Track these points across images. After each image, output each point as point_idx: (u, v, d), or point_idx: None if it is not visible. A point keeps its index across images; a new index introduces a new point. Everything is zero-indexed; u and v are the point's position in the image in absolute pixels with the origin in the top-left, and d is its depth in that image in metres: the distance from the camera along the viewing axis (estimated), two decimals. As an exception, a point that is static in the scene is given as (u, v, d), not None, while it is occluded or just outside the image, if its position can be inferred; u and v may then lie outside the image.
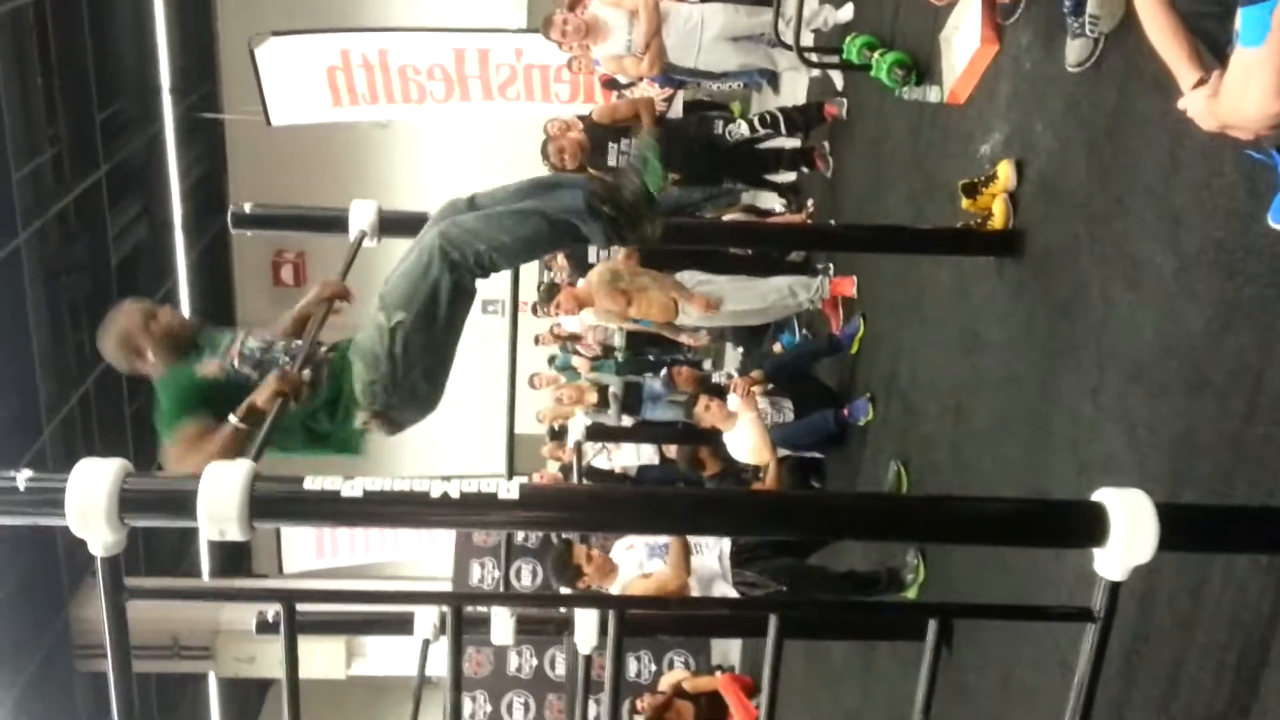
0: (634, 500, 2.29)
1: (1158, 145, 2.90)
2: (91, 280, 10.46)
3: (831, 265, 6.25)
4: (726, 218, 7.48)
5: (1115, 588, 2.01)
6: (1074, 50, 3.32)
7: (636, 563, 5.02)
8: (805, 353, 6.41)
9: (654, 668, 9.03)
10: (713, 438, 6.17)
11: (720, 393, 6.19)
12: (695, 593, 4.79)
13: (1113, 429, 3.04)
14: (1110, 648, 2.09)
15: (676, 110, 8.20)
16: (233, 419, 2.78)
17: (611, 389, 7.93)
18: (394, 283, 2.97)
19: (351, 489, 1.89)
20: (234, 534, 1.85)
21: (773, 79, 7.08)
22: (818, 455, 6.11)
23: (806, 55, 5.70)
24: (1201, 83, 1.95)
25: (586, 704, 3.14)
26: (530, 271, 9.25)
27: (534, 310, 8.74)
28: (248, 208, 3.86)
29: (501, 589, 5.26)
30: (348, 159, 12.21)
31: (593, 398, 7.97)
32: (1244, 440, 2.50)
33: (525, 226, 2.93)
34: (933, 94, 4.57)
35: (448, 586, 9.99)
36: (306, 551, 12.76)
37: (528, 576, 9.41)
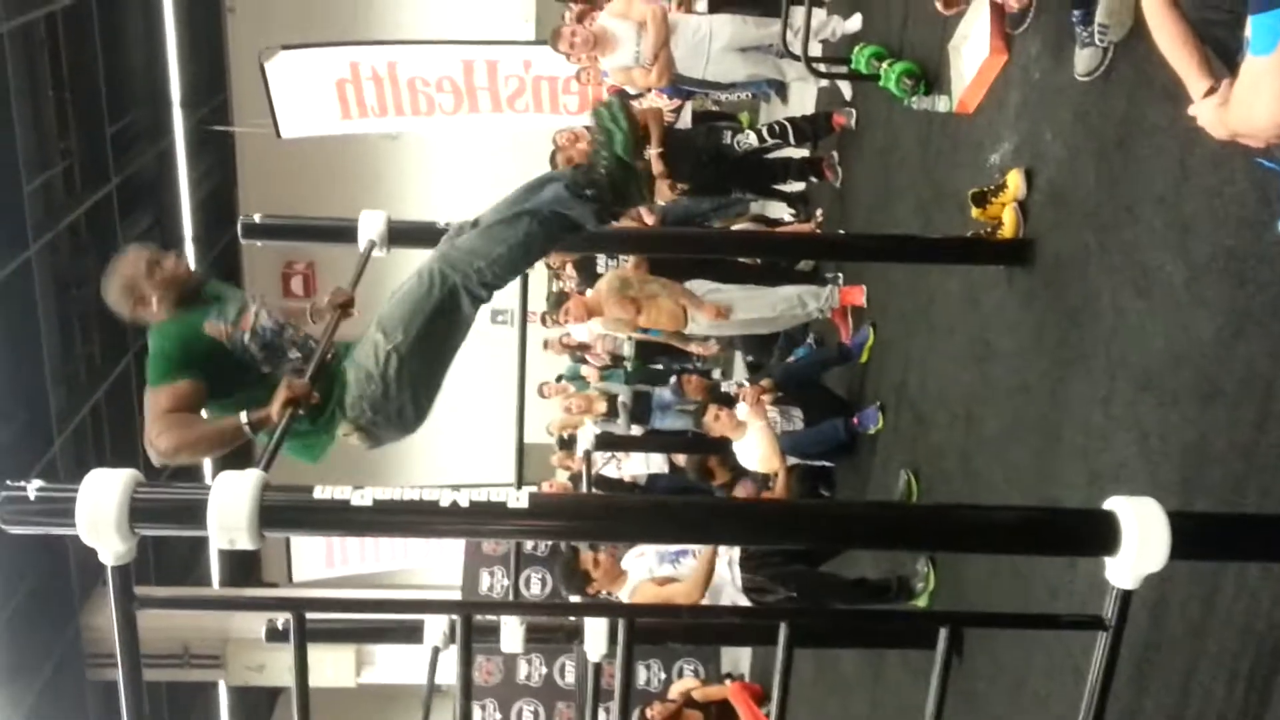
0: (643, 509, 2.29)
1: (1168, 154, 2.89)
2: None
3: (841, 274, 6.25)
4: (735, 227, 7.50)
5: (1127, 596, 2.00)
6: (1083, 59, 3.31)
7: (646, 569, 5.00)
8: (815, 361, 6.41)
9: (664, 676, 9.01)
10: (722, 447, 6.16)
11: (729, 402, 6.18)
12: (705, 601, 4.78)
13: (1124, 437, 3.03)
14: (1122, 656, 2.08)
15: (685, 121, 8.21)
16: (243, 420, 2.77)
17: (621, 398, 7.92)
18: (393, 305, 2.96)
19: (361, 498, 1.89)
20: (244, 543, 1.86)
21: (781, 89, 7.09)
22: (827, 464, 6.11)
23: (815, 65, 5.71)
24: (1212, 91, 1.95)
25: (596, 712, 3.14)
26: (539, 280, 9.27)
27: (543, 320, 8.75)
28: (258, 218, 3.88)
29: (511, 597, 5.25)
30: (357, 171, 12.25)
31: (602, 407, 7.96)
32: (1256, 448, 2.49)
33: (516, 232, 2.92)
34: (941, 103, 4.57)
35: (457, 595, 9.99)
36: (316, 560, 12.78)
37: (537, 585, 9.40)
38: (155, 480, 1.94)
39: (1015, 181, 3.78)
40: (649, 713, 6.04)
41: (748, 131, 6.50)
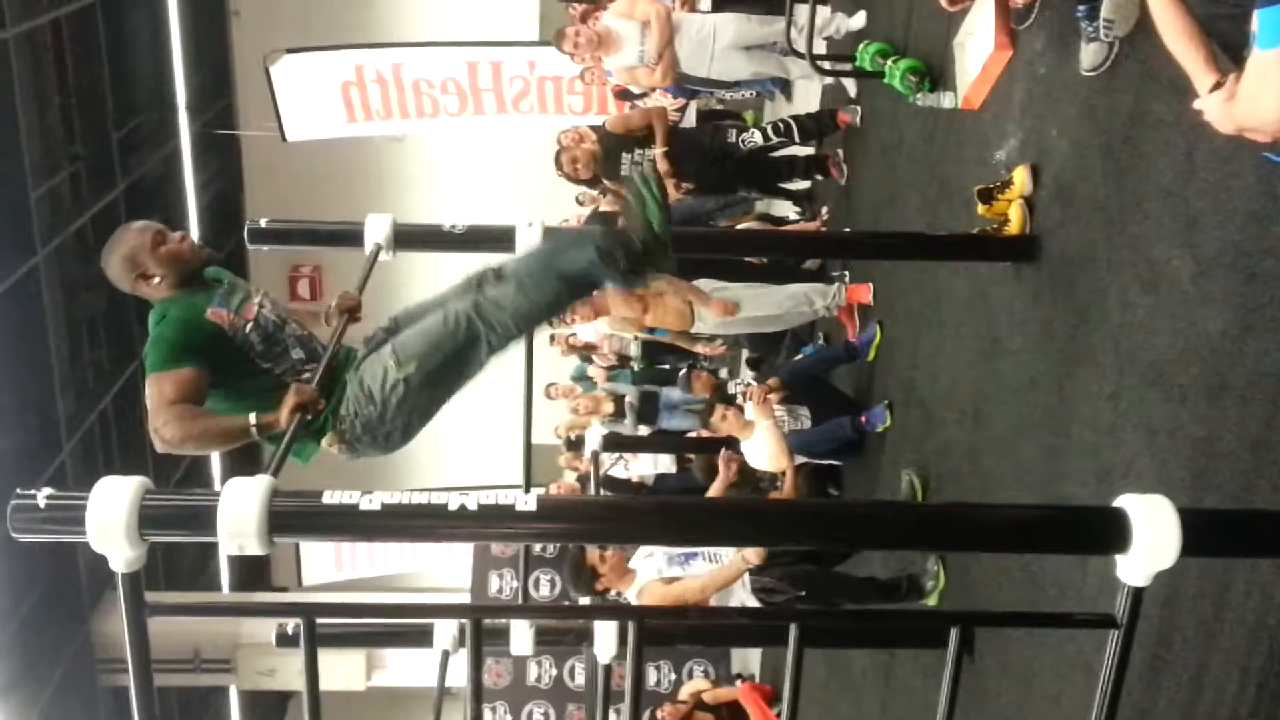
0: (652, 510, 2.28)
1: (1174, 148, 2.88)
2: (109, 298, 10.52)
3: (847, 272, 6.24)
4: (740, 226, 7.49)
5: (1138, 593, 2.00)
6: (1088, 54, 3.31)
7: (655, 569, 5.00)
8: (822, 360, 6.40)
9: (674, 677, 9.01)
10: (730, 446, 6.15)
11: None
12: (713, 601, 4.77)
13: (1133, 434, 3.02)
14: (1133, 654, 2.07)
15: (690, 120, 8.21)
16: (252, 422, 2.76)
17: (628, 399, 7.93)
18: (412, 335, 2.97)
19: (370, 503, 1.89)
20: (253, 548, 1.86)
21: (786, 87, 7.09)
22: (835, 463, 6.10)
23: (819, 63, 5.71)
24: (1218, 85, 1.94)
25: (607, 714, 3.14)
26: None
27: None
28: (264, 223, 3.89)
29: (520, 600, 5.25)
30: (363, 174, 12.26)
31: (609, 408, 7.97)
32: (1266, 444, 2.48)
33: (546, 293, 2.92)
34: (946, 100, 4.56)
35: (466, 597, 9.99)
36: (325, 564, 12.79)
37: (546, 587, 9.41)
38: (164, 487, 1.94)
39: (1021, 177, 3.77)
40: (660, 714, 6.04)
41: (752, 130, 6.49)
